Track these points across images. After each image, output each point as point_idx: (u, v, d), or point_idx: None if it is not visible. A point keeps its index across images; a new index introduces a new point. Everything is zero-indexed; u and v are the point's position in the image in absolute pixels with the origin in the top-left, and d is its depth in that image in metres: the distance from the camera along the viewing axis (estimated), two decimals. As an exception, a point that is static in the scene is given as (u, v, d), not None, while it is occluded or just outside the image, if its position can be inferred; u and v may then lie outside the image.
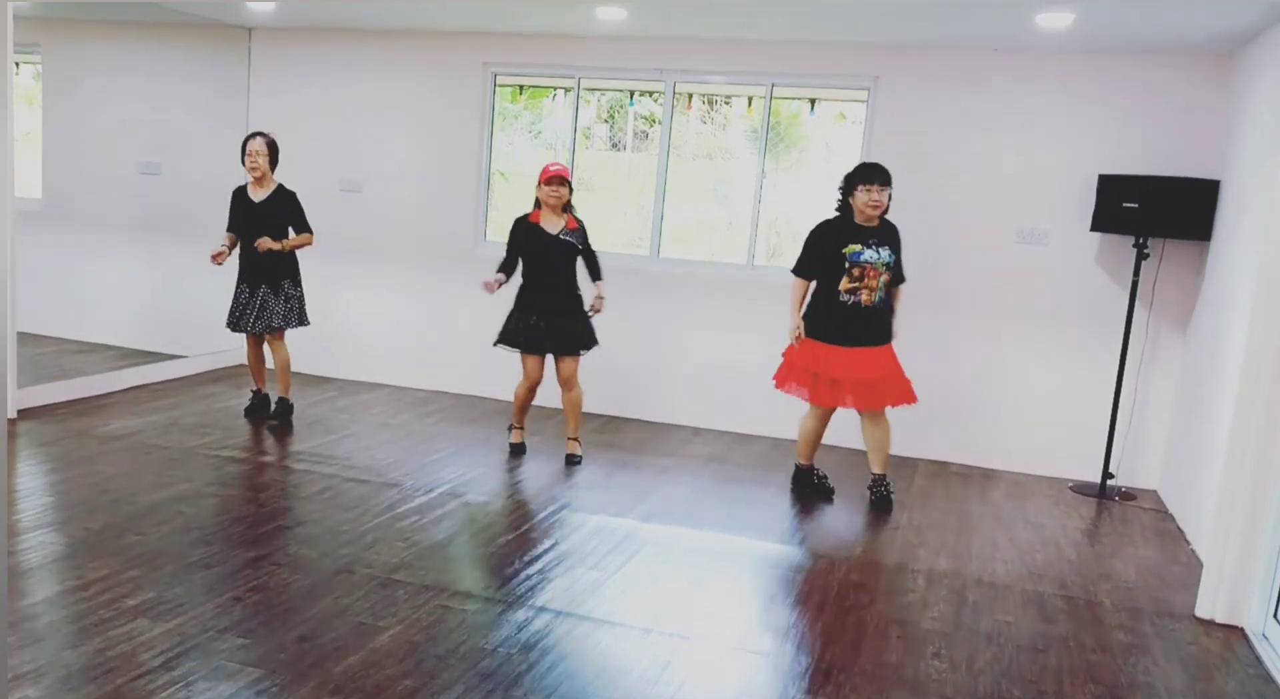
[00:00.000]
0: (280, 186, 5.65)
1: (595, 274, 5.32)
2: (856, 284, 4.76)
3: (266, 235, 5.55)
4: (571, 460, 5.39)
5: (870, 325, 4.81)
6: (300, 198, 5.69)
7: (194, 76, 7.03)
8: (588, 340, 5.31)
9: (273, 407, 5.85)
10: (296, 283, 5.75)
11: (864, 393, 4.82)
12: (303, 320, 5.76)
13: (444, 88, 6.65)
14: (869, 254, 4.75)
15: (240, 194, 5.71)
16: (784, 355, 5.03)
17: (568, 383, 5.35)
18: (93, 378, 6.21)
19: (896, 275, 4.89)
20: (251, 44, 7.00)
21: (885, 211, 4.82)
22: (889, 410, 4.99)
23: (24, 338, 6.02)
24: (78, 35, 7.20)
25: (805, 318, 4.90)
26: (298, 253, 5.76)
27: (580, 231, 5.26)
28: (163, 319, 7.08)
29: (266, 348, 5.85)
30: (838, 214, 4.87)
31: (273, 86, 7.00)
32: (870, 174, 4.76)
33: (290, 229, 5.66)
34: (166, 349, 6.90)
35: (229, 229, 5.72)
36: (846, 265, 4.76)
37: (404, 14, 6.10)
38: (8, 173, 5.28)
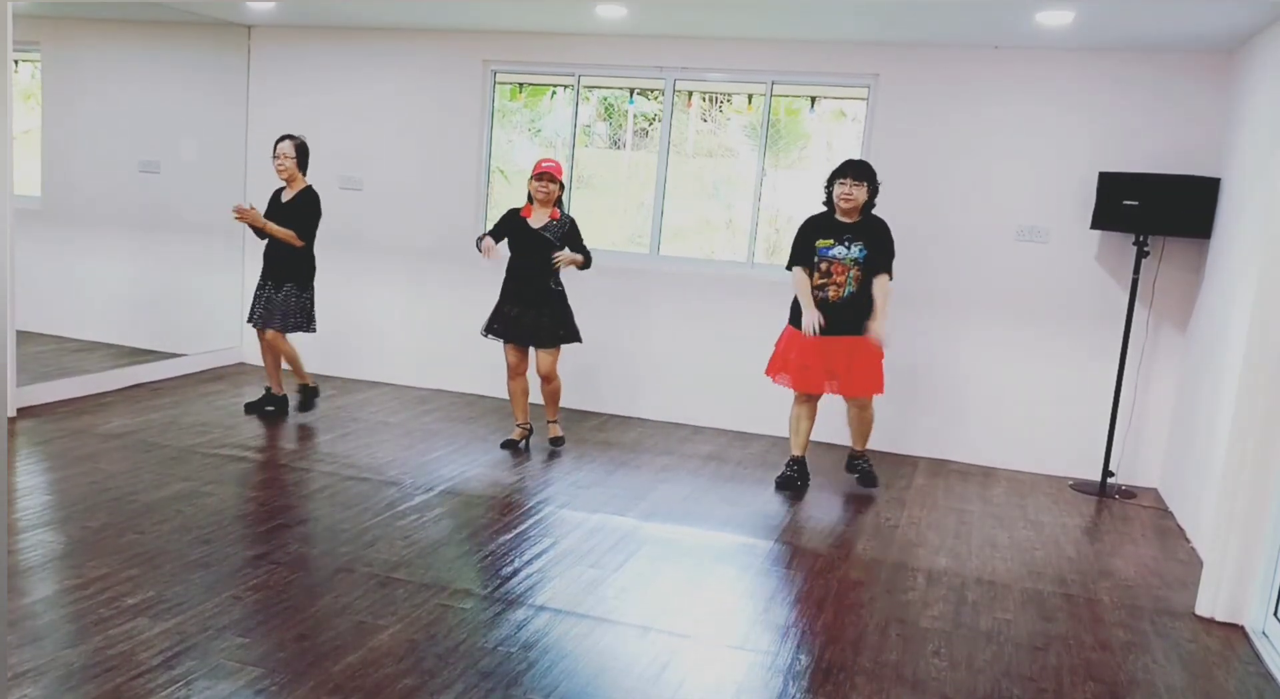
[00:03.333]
0: (307, 188, 5.69)
1: (582, 258, 5.34)
2: (824, 280, 4.90)
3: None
4: (555, 443, 5.56)
5: (839, 317, 4.88)
6: (321, 202, 5.74)
7: (193, 74, 7.02)
8: (565, 335, 5.38)
9: (275, 403, 5.92)
10: (304, 287, 5.70)
11: (839, 380, 4.98)
12: (308, 326, 5.73)
13: (443, 85, 6.64)
14: (838, 250, 4.88)
15: (276, 193, 5.78)
16: (776, 345, 5.16)
17: (547, 377, 5.46)
18: (92, 376, 6.20)
19: (875, 267, 4.88)
20: (251, 42, 7.00)
21: (868, 207, 4.94)
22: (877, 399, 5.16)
23: (23, 336, 6.02)
24: (77, 33, 7.19)
25: (792, 306, 5.06)
26: (316, 258, 5.76)
27: (561, 224, 5.30)
28: (162, 317, 7.07)
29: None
30: (824, 209, 5.03)
31: (272, 85, 6.99)
32: (844, 169, 4.93)
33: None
34: (166, 347, 6.89)
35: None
36: (816, 259, 4.93)
37: (403, 12, 6.09)
38: (7, 171, 5.27)
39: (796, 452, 5.16)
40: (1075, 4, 4.58)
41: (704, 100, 8.47)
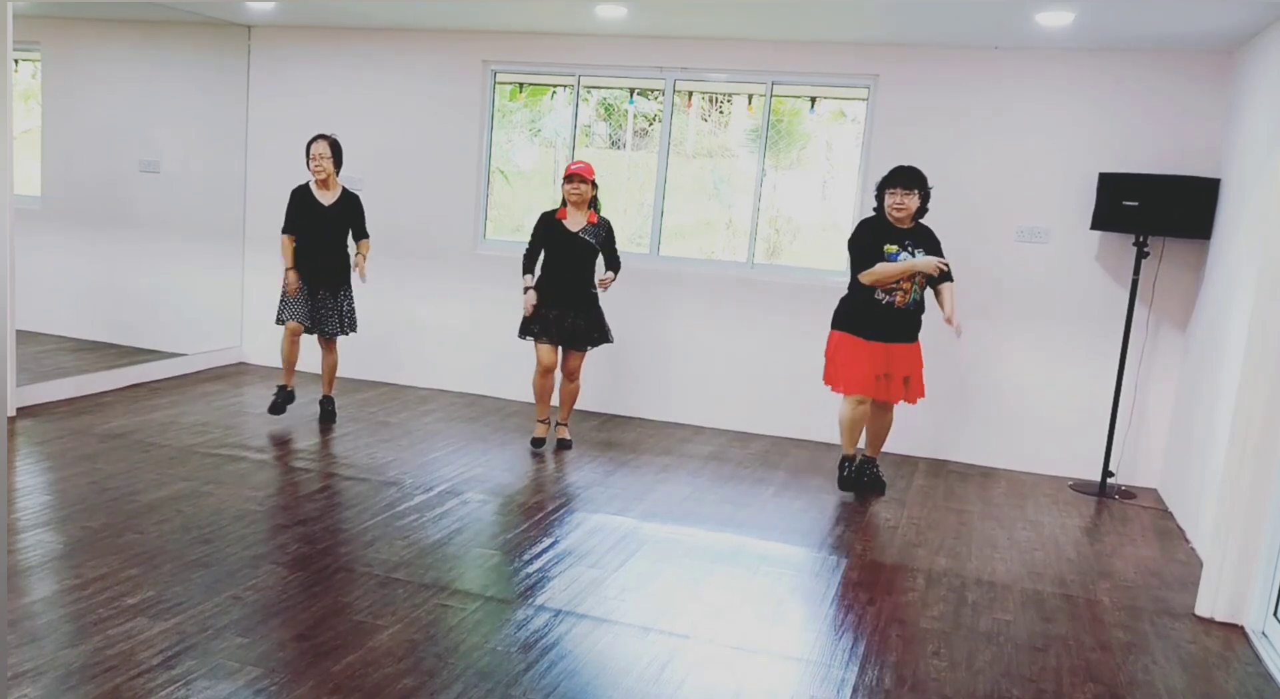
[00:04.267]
0: (345, 190, 5.68)
1: (610, 265, 5.47)
2: (892, 285, 4.83)
3: (334, 238, 5.61)
4: (563, 445, 5.63)
5: (902, 324, 4.90)
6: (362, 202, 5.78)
7: (193, 74, 7.03)
8: (599, 336, 5.47)
9: (294, 404, 5.93)
10: (350, 288, 5.76)
11: (896, 387, 4.95)
12: (355, 326, 5.81)
13: (444, 85, 6.64)
14: (904, 257, 4.81)
15: (305, 195, 5.59)
16: (826, 354, 5.06)
17: (571, 375, 5.54)
18: (91, 376, 6.20)
19: (944, 276, 4.91)
20: (251, 42, 7.00)
21: (919, 214, 4.91)
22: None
23: (23, 336, 6.02)
24: (77, 33, 7.19)
25: (844, 314, 4.98)
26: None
27: (599, 227, 5.39)
28: (162, 317, 7.08)
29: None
30: (875, 213, 4.97)
31: (272, 85, 6.99)
32: (894, 178, 4.85)
33: (350, 233, 5.71)
34: (165, 347, 6.89)
35: (288, 231, 5.56)
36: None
37: (403, 12, 6.09)
38: (7, 171, 5.27)
39: (852, 451, 5.08)
40: (1075, 4, 4.58)
41: (704, 100, 8.47)
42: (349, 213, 5.67)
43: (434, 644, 3.21)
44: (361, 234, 5.71)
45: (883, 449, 5.29)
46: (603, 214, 5.46)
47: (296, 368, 5.81)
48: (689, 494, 4.98)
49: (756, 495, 5.04)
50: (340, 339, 5.85)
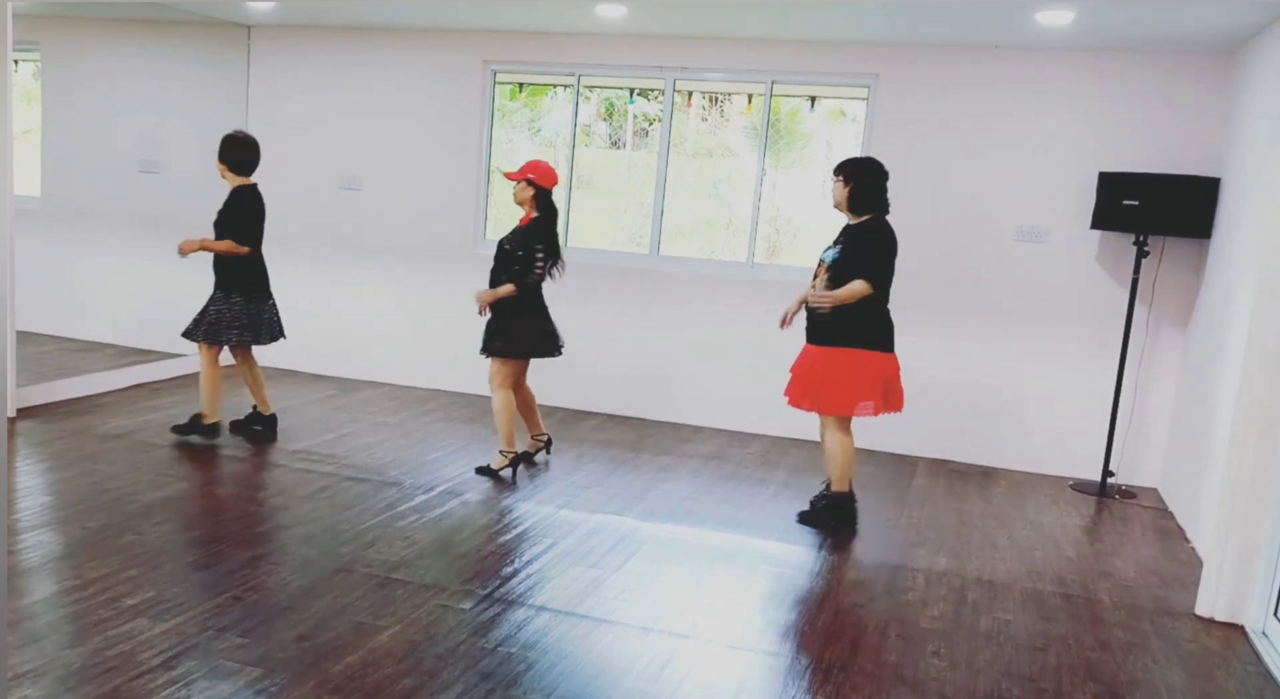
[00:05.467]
0: (235, 188, 5.12)
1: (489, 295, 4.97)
2: (813, 281, 4.55)
3: (217, 239, 5.10)
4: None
5: (812, 324, 4.53)
6: (265, 199, 5.20)
7: (193, 74, 7.02)
8: (497, 347, 4.95)
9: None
10: (229, 295, 5.15)
11: (794, 388, 4.62)
12: (209, 336, 5.18)
13: (444, 85, 6.64)
14: (827, 252, 4.52)
15: None
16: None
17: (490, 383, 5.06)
18: (92, 376, 6.20)
19: (850, 271, 4.37)
20: (251, 42, 6.99)
21: (860, 205, 4.40)
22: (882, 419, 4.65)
23: (23, 336, 6.02)
24: (77, 33, 7.19)
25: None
26: (267, 265, 5.27)
27: (522, 232, 4.92)
28: (162, 317, 7.05)
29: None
30: None
31: (272, 84, 6.99)
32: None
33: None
34: (165, 348, 6.88)
35: None
36: None
37: (404, 11, 6.09)
38: (7, 171, 5.27)
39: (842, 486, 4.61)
40: (1075, 4, 4.58)
41: (704, 100, 8.47)
42: (224, 210, 5.10)
43: (434, 645, 3.21)
44: (230, 236, 5.06)
45: (845, 486, 4.58)
46: (539, 216, 4.90)
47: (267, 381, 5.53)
48: (689, 494, 4.98)
49: (756, 495, 5.04)
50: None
